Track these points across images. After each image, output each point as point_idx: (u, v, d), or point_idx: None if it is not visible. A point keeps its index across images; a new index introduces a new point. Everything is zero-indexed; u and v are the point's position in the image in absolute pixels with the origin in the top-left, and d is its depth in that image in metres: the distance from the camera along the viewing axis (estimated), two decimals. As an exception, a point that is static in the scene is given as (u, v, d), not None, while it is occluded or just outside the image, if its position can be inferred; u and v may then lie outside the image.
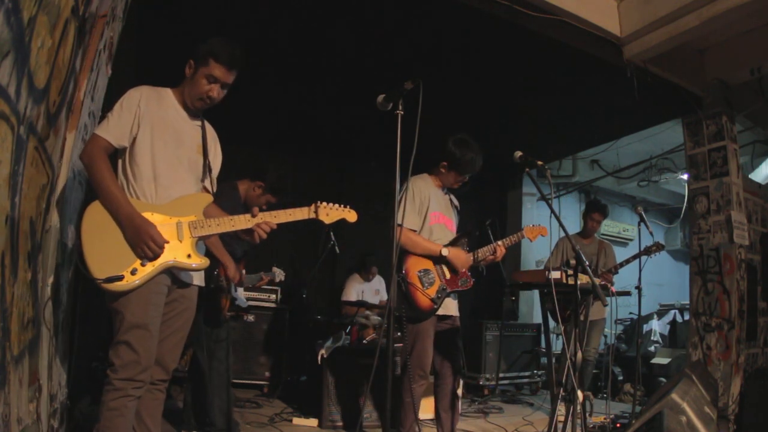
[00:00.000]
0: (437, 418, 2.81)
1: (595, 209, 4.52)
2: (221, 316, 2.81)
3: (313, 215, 2.06)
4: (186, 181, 1.97)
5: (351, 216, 2.14)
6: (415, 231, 2.76)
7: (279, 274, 3.69)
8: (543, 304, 2.84)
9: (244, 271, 3.07)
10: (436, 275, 2.73)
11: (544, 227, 2.99)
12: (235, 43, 1.99)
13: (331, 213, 2.09)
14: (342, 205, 2.13)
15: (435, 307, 2.67)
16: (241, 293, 3.03)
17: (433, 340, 2.70)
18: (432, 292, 2.68)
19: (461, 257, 2.74)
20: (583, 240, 4.54)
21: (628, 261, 4.13)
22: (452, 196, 3.02)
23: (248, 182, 3.05)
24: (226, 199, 2.86)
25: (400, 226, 2.65)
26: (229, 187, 2.99)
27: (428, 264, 2.73)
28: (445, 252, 2.70)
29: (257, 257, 4.18)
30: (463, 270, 2.76)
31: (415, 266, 2.70)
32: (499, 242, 2.83)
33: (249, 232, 1.97)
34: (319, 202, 2.07)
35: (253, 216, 1.96)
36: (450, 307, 2.79)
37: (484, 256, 2.82)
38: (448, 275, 2.75)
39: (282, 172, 3.07)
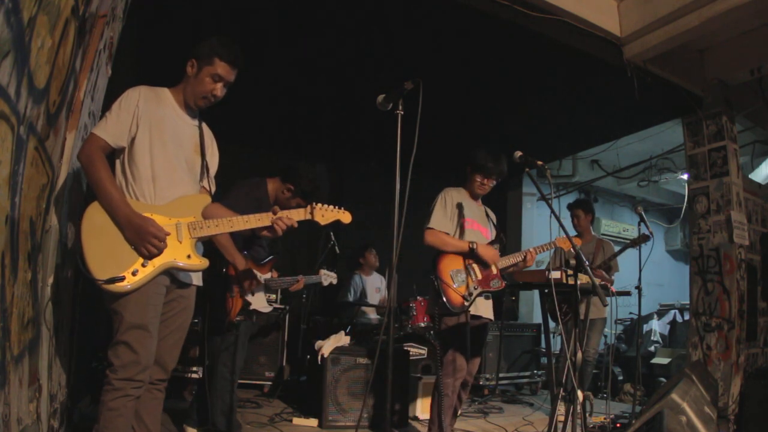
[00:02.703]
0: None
1: (576, 206, 4.49)
2: (227, 320, 2.72)
3: (308, 216, 2.07)
4: (184, 181, 1.97)
5: (345, 217, 2.14)
6: (446, 234, 2.90)
7: (326, 278, 3.54)
8: (543, 304, 2.85)
9: (269, 275, 2.97)
10: (466, 275, 2.84)
11: (577, 238, 3.10)
12: (235, 41, 2.00)
13: (326, 214, 2.10)
14: (337, 207, 2.14)
15: (466, 303, 2.78)
16: (260, 297, 2.89)
17: (468, 337, 2.83)
18: (463, 290, 2.80)
19: (490, 252, 2.86)
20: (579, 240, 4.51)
21: (616, 254, 4.11)
22: (488, 209, 3.18)
23: (279, 182, 2.96)
24: (254, 193, 2.82)
25: (430, 229, 2.89)
26: (256, 184, 2.94)
27: (460, 265, 2.85)
28: (474, 245, 2.82)
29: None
30: (493, 265, 2.87)
31: (448, 266, 2.83)
32: (531, 248, 2.98)
33: (268, 228, 1.99)
34: (314, 203, 2.08)
35: (275, 214, 1.99)
36: (482, 308, 2.90)
37: (509, 264, 2.94)
38: (479, 276, 2.85)
39: (314, 175, 2.95)
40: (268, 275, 2.97)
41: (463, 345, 2.79)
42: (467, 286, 2.81)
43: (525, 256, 2.96)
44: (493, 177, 2.98)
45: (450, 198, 2.97)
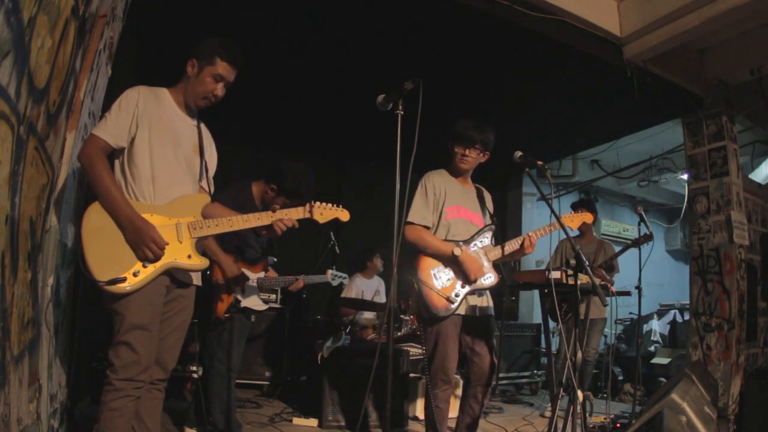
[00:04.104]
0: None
1: (580, 205, 4.47)
2: (213, 317, 2.77)
3: (307, 215, 2.08)
4: (184, 181, 1.98)
5: (344, 215, 2.15)
6: (428, 228, 2.61)
7: (337, 278, 3.49)
8: (543, 304, 2.83)
9: (262, 274, 2.99)
10: (453, 273, 2.54)
11: (588, 214, 2.93)
12: (235, 41, 2.01)
13: (324, 212, 2.10)
14: (335, 205, 2.14)
15: (452, 306, 2.48)
16: (253, 295, 2.93)
17: (457, 343, 2.54)
18: (448, 290, 2.51)
19: (475, 264, 2.51)
20: (581, 240, 4.52)
21: (618, 254, 4.11)
22: (481, 189, 2.85)
23: (263, 184, 2.96)
24: (237, 198, 2.83)
25: (409, 224, 2.57)
26: (242, 187, 2.95)
27: (445, 261, 2.56)
28: (457, 252, 2.49)
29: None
30: (474, 278, 2.52)
31: (429, 264, 2.54)
32: (530, 233, 2.62)
33: (267, 227, 2.00)
34: (313, 201, 2.09)
35: (273, 212, 2.00)
36: (477, 308, 2.62)
37: (512, 250, 2.61)
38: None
39: (298, 173, 2.90)
40: (261, 274, 2.99)
41: (452, 352, 2.51)
42: (453, 285, 2.51)
43: (523, 243, 2.59)
44: (476, 146, 2.62)
45: (431, 184, 2.65)
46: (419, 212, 2.61)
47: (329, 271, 3.50)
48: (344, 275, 3.60)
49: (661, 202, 8.62)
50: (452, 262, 2.54)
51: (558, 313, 2.47)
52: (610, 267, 4.17)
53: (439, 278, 2.53)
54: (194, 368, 3.74)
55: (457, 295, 2.50)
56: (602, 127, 5.32)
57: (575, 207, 4.51)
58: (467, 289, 2.54)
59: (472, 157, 2.66)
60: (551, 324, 2.88)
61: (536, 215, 7.18)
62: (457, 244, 2.53)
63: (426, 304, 2.48)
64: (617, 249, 4.64)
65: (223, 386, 2.80)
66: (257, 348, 4.64)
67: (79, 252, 1.74)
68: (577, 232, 4.72)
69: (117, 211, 1.76)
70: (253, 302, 2.93)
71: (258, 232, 2.04)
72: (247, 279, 2.87)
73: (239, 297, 2.85)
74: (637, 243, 3.76)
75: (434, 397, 2.50)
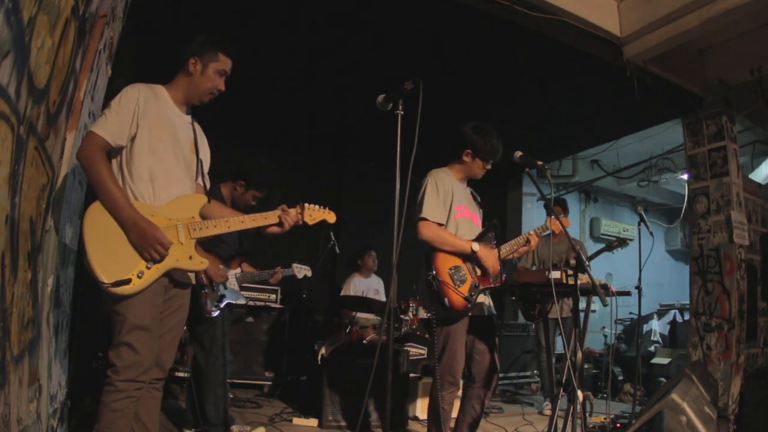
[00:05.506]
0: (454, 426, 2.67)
1: (555, 203, 4.47)
2: (202, 312, 2.83)
3: (299, 216, 2.09)
4: (182, 180, 1.97)
5: (330, 217, 2.17)
6: (441, 225, 2.57)
7: (300, 270, 3.61)
8: (537, 305, 2.80)
9: (239, 269, 3.15)
10: (467, 272, 2.54)
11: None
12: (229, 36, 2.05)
13: (313, 214, 2.12)
14: (322, 207, 2.16)
15: (469, 305, 2.49)
16: (234, 291, 3.04)
17: (464, 344, 2.55)
18: (465, 290, 2.49)
19: (491, 257, 2.56)
20: (553, 239, 4.47)
21: (593, 256, 4.10)
22: (473, 190, 2.88)
23: (230, 183, 3.10)
24: None
25: (424, 220, 2.54)
26: (211, 190, 3.03)
27: (457, 260, 2.54)
28: (476, 247, 2.51)
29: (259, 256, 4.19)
30: (493, 272, 2.58)
31: (445, 263, 2.52)
32: (531, 231, 2.74)
33: (270, 225, 2.03)
34: (302, 203, 2.10)
35: (283, 211, 2.04)
36: (483, 306, 2.65)
37: (512, 250, 2.69)
38: (479, 271, 2.58)
39: (262, 165, 3.07)
40: (238, 270, 3.12)
41: (461, 353, 2.51)
42: (469, 285, 2.51)
43: (528, 240, 2.69)
44: (498, 158, 2.69)
45: (441, 182, 2.62)
46: (434, 209, 2.56)
47: (294, 265, 3.61)
48: (307, 267, 3.69)
49: (661, 202, 8.62)
50: (470, 258, 2.55)
51: (558, 311, 2.48)
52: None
53: (456, 278, 2.51)
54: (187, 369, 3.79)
55: (472, 295, 2.51)
56: (602, 127, 5.32)
57: (547, 206, 4.50)
58: (481, 287, 2.56)
59: (489, 168, 2.74)
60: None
61: (536, 215, 7.18)
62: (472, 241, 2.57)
63: (444, 303, 2.45)
64: (617, 249, 4.64)
65: (218, 381, 2.85)
66: (257, 348, 4.64)
67: (82, 253, 1.73)
68: (578, 230, 4.72)
69: (119, 211, 1.74)
70: (234, 297, 3.04)
71: (262, 231, 2.05)
72: (226, 276, 3.00)
73: (223, 293, 2.94)
74: (611, 247, 3.79)
75: (440, 399, 2.48)
